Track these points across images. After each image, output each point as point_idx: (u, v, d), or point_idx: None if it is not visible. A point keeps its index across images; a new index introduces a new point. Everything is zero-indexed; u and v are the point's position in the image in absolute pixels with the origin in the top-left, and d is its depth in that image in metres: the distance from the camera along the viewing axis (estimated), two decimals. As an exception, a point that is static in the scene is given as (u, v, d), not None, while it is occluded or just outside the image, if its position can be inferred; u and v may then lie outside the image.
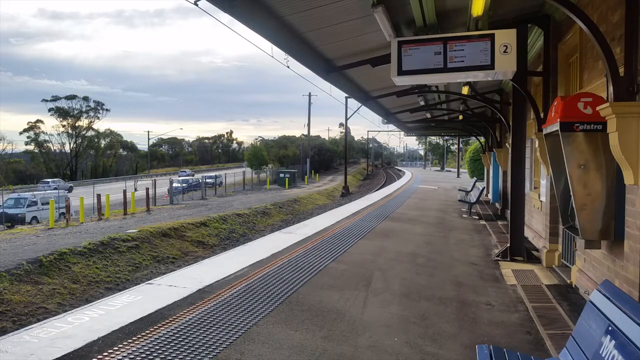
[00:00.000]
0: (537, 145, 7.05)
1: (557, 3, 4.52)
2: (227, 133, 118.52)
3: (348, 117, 35.20)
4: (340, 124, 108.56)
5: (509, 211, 9.51)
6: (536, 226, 9.39)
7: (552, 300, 5.72)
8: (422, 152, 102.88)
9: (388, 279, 6.58)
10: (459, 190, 20.76)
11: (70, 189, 42.67)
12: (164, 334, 4.24)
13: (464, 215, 14.31)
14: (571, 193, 4.75)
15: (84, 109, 69.60)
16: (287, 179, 44.50)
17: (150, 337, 4.16)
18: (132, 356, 3.77)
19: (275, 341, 4.22)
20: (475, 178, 26.01)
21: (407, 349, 4.21)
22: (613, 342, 2.39)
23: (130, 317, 4.59)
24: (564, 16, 6.62)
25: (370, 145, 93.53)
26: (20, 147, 68.66)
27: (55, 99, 67.54)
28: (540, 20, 7.53)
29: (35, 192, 27.50)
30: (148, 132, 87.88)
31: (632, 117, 3.97)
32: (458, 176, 45.66)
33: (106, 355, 3.77)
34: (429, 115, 18.62)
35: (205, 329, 4.40)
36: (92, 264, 11.47)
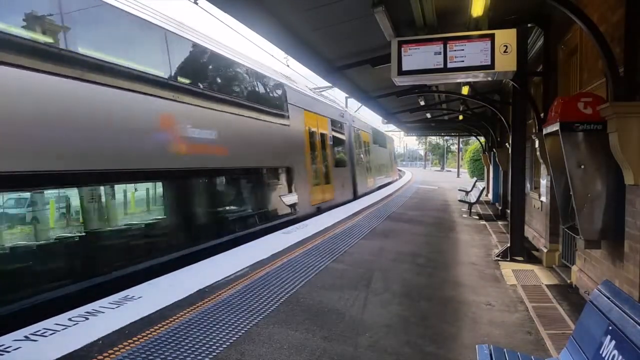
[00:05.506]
0: (537, 145, 7.05)
1: (557, 3, 4.52)
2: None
3: (348, 117, 35.16)
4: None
5: (509, 211, 9.52)
6: (536, 226, 9.39)
7: (552, 300, 5.72)
8: (422, 152, 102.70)
9: (388, 279, 6.58)
10: (459, 190, 20.75)
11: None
12: (164, 334, 4.24)
13: (464, 215, 14.31)
14: (571, 193, 4.76)
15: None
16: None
17: (150, 337, 4.16)
18: (132, 356, 3.77)
19: (275, 341, 4.22)
20: (475, 178, 26.05)
21: (407, 349, 4.21)
22: (613, 342, 2.39)
23: (130, 316, 4.58)
24: (564, 16, 6.63)
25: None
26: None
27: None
28: (540, 20, 7.53)
29: None
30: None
31: (632, 117, 3.97)
32: (458, 176, 45.66)
33: (106, 356, 3.76)
34: (429, 115, 18.63)
35: (205, 329, 4.40)
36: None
